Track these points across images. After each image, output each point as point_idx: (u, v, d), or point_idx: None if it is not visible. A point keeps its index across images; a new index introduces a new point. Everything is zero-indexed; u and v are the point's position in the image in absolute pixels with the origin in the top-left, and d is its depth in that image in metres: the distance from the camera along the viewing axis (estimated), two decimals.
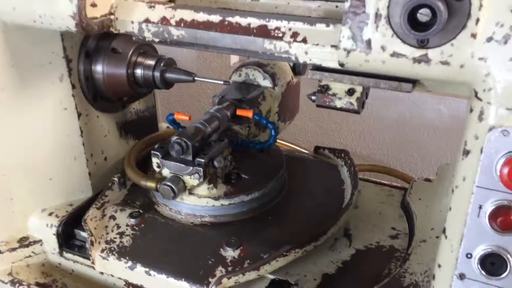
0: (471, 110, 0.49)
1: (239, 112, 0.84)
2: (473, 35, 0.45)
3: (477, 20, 0.45)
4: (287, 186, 0.89)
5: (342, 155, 0.97)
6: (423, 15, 0.45)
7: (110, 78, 0.83)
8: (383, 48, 0.50)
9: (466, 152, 0.50)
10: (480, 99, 0.47)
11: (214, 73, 1.65)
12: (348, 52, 0.52)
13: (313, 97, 0.75)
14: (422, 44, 0.47)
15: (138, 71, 0.84)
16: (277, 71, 0.94)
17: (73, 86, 0.81)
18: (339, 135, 1.61)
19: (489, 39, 0.45)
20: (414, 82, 0.59)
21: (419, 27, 0.46)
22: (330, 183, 0.91)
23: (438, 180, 0.92)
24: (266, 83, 0.93)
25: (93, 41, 0.82)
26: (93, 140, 0.88)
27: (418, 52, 0.48)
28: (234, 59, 1.59)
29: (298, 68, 0.99)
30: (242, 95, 0.90)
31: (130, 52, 0.83)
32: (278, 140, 1.26)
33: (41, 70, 0.77)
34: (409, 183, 1.34)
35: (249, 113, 0.84)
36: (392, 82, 0.60)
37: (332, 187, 0.90)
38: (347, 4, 0.50)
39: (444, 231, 0.56)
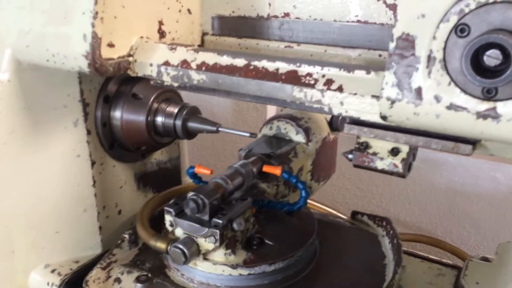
0: None
1: (266, 168, 0.75)
2: None
3: None
4: (317, 257, 0.77)
5: (384, 223, 0.85)
6: (492, 58, 0.35)
7: (128, 124, 0.77)
8: (437, 98, 0.40)
9: None
10: None
11: (249, 126, 1.59)
12: (393, 102, 0.42)
13: (350, 156, 0.65)
14: (489, 95, 0.37)
15: (159, 119, 0.78)
16: (311, 126, 0.85)
17: (88, 132, 0.75)
18: (380, 199, 1.48)
19: None
20: (474, 143, 0.49)
21: (485, 73, 0.36)
22: (369, 256, 0.79)
23: (500, 260, 0.78)
24: (299, 138, 0.84)
25: (113, 85, 0.77)
26: (107, 191, 0.80)
27: (484, 105, 0.38)
28: (271, 112, 1.52)
29: (335, 123, 0.90)
30: (272, 150, 0.81)
31: (152, 98, 0.77)
32: (310, 201, 1.15)
33: (55, 113, 0.72)
34: (461, 258, 1.19)
35: (277, 170, 0.74)
36: (447, 142, 0.50)
37: (371, 261, 0.78)
38: (392, 45, 0.41)
39: None
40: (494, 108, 0.38)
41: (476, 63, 0.36)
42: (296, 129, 0.85)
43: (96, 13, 0.58)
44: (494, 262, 0.79)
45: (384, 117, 0.44)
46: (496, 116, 0.38)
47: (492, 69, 0.36)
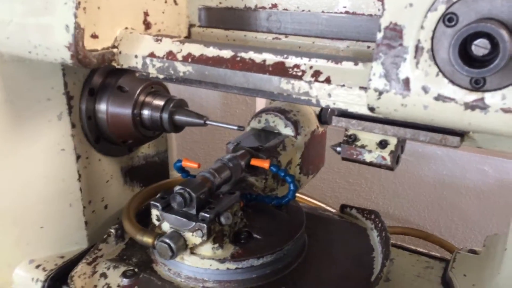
0: None
1: (254, 162, 0.74)
2: None
3: None
4: (306, 250, 0.77)
5: (372, 216, 0.85)
6: (480, 47, 0.34)
7: (114, 118, 0.75)
8: (425, 89, 0.39)
9: None
10: None
11: (238, 120, 1.58)
12: (380, 93, 0.42)
13: (338, 149, 0.64)
14: (477, 85, 0.37)
15: (145, 112, 0.76)
16: (300, 119, 0.85)
17: (73, 126, 0.73)
18: (369, 192, 1.48)
19: None
20: (462, 135, 0.48)
21: (474, 64, 0.36)
22: (357, 249, 0.79)
23: (487, 253, 0.78)
24: (288, 131, 0.84)
25: (98, 77, 0.76)
26: (93, 186, 0.79)
27: (472, 96, 0.38)
28: (260, 105, 1.51)
29: (324, 117, 0.90)
30: (260, 143, 0.80)
31: (138, 91, 0.76)
32: (299, 195, 1.15)
33: (38, 106, 0.70)
34: (449, 251, 1.19)
35: (265, 164, 0.74)
36: (434, 134, 0.49)
37: (360, 254, 0.78)
38: (379, 35, 0.41)
39: None
40: (482, 99, 0.37)
41: (464, 53, 0.36)
42: (284, 122, 0.84)
43: (79, 3, 0.57)
44: (481, 255, 0.80)
45: (371, 109, 0.43)
46: (484, 107, 0.37)
47: (480, 59, 0.35)
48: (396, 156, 0.60)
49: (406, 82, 0.40)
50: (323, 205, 1.09)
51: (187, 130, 1.42)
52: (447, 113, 0.39)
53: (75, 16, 0.57)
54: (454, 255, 0.80)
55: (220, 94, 1.59)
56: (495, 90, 0.36)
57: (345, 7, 0.66)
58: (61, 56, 0.59)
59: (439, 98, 0.39)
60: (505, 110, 0.37)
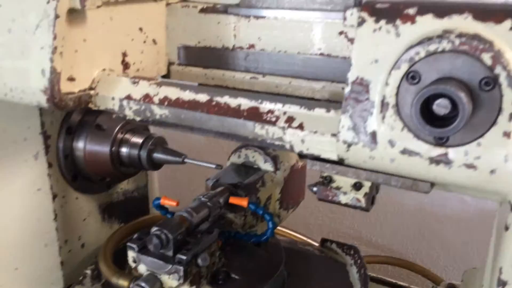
0: (507, 228, 0.38)
1: (232, 200, 0.74)
2: (506, 134, 0.36)
3: (511, 116, 0.35)
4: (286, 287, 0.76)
5: (352, 252, 0.85)
6: (441, 107, 0.35)
7: (91, 155, 0.75)
8: (391, 143, 0.40)
9: (503, 283, 0.38)
10: None
11: (223, 150, 1.58)
12: (349, 145, 0.43)
13: (315, 189, 0.65)
14: (441, 141, 0.38)
15: (124, 150, 0.76)
16: (279, 154, 0.85)
17: (50, 165, 0.73)
18: (352, 221, 1.48)
19: None
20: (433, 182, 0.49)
21: (436, 121, 0.37)
22: (337, 286, 0.78)
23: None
24: (267, 166, 0.84)
25: (76, 116, 0.76)
26: (69, 225, 0.78)
27: (436, 151, 0.39)
28: None
29: (305, 157, 0.90)
30: (240, 179, 0.80)
31: (117, 129, 0.76)
32: (280, 228, 1.15)
33: (14, 147, 0.70)
34: (431, 281, 1.20)
35: (243, 202, 0.74)
36: (406, 180, 0.50)
37: None
38: (347, 89, 0.42)
39: None
40: (445, 154, 0.38)
41: (427, 111, 0.37)
42: (264, 158, 0.84)
43: (55, 48, 0.57)
44: None
45: (341, 160, 0.44)
46: (448, 162, 0.38)
47: (442, 117, 0.36)
48: (370, 198, 0.61)
49: (373, 135, 0.41)
50: (304, 238, 1.09)
51: None
52: (413, 166, 0.40)
53: (51, 60, 0.57)
54: None
55: None
56: (458, 146, 0.37)
57: (320, 49, 0.67)
58: (36, 100, 0.59)
59: (405, 152, 0.40)
60: (468, 166, 0.38)
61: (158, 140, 0.77)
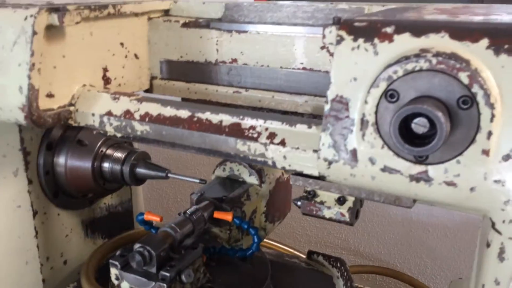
0: (488, 245, 0.38)
1: (217, 214, 0.74)
2: (485, 152, 0.36)
3: (489, 134, 0.35)
4: None
5: (338, 264, 0.84)
6: (419, 125, 0.35)
7: (73, 171, 0.74)
8: (371, 161, 0.40)
9: None
10: (499, 233, 0.36)
11: (210, 162, 1.57)
12: (330, 163, 0.42)
13: (299, 203, 0.64)
14: (420, 158, 0.38)
15: (106, 165, 0.75)
16: (265, 167, 0.85)
17: (30, 182, 0.72)
18: (340, 230, 1.48)
19: (506, 158, 0.35)
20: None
21: (415, 140, 0.37)
22: None
23: None
24: (252, 179, 0.83)
25: (57, 131, 0.75)
26: (51, 242, 0.77)
27: (416, 169, 0.38)
28: None
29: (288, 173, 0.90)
30: (225, 192, 0.79)
31: (98, 144, 0.75)
32: (266, 241, 1.14)
33: None
34: None
35: (228, 216, 0.73)
36: (388, 195, 0.50)
37: None
38: (327, 107, 0.42)
39: None
40: (425, 172, 0.38)
41: (406, 129, 0.37)
42: (249, 171, 0.84)
43: (33, 64, 0.56)
44: None
45: (322, 177, 0.44)
46: (428, 179, 0.38)
47: (421, 136, 0.36)
48: (354, 212, 0.61)
49: (354, 153, 0.41)
50: (291, 250, 1.08)
51: None
52: (394, 184, 0.40)
53: (29, 77, 0.57)
54: None
55: None
56: (437, 163, 0.37)
57: (302, 63, 0.67)
58: (14, 117, 0.58)
59: (385, 169, 0.40)
60: (448, 183, 0.38)
61: (141, 155, 0.77)
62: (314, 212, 0.62)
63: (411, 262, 1.42)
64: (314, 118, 0.67)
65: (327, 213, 0.61)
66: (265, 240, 1.03)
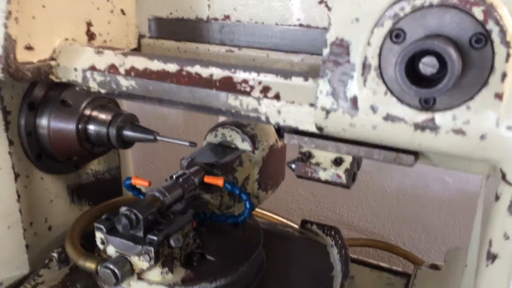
0: (497, 198, 0.35)
1: (208, 179, 0.71)
2: (498, 96, 0.33)
3: (504, 75, 0.32)
4: (264, 270, 0.73)
5: (332, 233, 0.82)
6: (427, 66, 0.32)
7: (56, 134, 0.71)
8: (373, 109, 0.37)
9: (492, 257, 0.35)
10: (510, 184, 0.33)
11: (201, 132, 1.54)
12: (328, 112, 0.39)
13: (293, 165, 0.61)
14: (427, 104, 0.35)
15: (91, 127, 0.72)
16: (258, 133, 0.82)
17: (11, 143, 0.68)
18: (334, 204, 1.46)
19: None
20: (416, 154, 0.46)
21: (422, 82, 0.33)
22: (317, 268, 0.76)
23: (448, 268, 0.76)
24: (245, 146, 0.80)
25: (40, 91, 0.71)
26: (34, 206, 0.74)
27: (422, 116, 0.35)
28: (223, 118, 1.48)
29: (283, 130, 0.87)
30: (216, 158, 0.76)
31: (83, 105, 0.71)
32: (259, 210, 1.12)
33: None
34: (412, 263, 1.18)
35: (219, 181, 0.70)
36: (388, 153, 0.47)
37: (319, 273, 0.75)
38: (325, 51, 0.38)
39: None
40: (432, 119, 0.35)
41: (412, 71, 0.34)
42: (241, 137, 0.81)
43: (9, 12, 0.52)
44: (442, 270, 0.78)
45: (320, 128, 0.41)
46: (434, 128, 0.35)
47: (428, 78, 0.33)
48: (351, 174, 0.58)
49: (354, 101, 0.38)
50: (284, 220, 1.06)
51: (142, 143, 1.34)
52: (397, 133, 0.37)
53: (5, 26, 0.53)
54: (415, 271, 0.78)
55: None
56: (445, 110, 0.34)
57: (299, 19, 0.64)
58: None
59: (388, 118, 0.37)
60: (456, 131, 0.35)
61: (128, 117, 0.73)
62: (309, 174, 0.59)
63: (405, 236, 1.41)
64: None
65: (322, 175, 0.58)
66: (257, 209, 1.01)
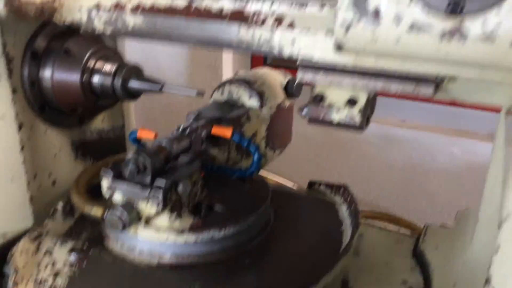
0: None
1: (215, 130, 0.69)
2: None
3: None
4: (271, 225, 0.72)
5: (341, 191, 0.81)
6: None
7: (60, 84, 0.69)
8: (397, 19, 0.35)
9: None
10: None
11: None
12: (348, 26, 0.37)
13: (305, 110, 0.60)
14: (455, 9, 0.33)
15: (96, 78, 0.70)
16: (265, 90, 0.80)
17: (14, 91, 0.66)
18: (339, 177, 1.45)
19: None
20: (436, 84, 0.45)
21: None
22: (325, 223, 0.75)
23: (458, 226, 0.75)
24: (253, 102, 0.79)
25: (42, 40, 0.69)
26: (38, 159, 0.72)
27: (449, 23, 0.34)
28: (227, 74, 1.46)
29: (291, 89, 0.85)
30: (224, 114, 0.75)
31: (87, 55, 0.69)
32: (265, 172, 1.10)
33: None
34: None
35: (227, 132, 0.69)
36: (407, 85, 0.46)
37: (328, 227, 0.74)
38: None
39: (488, 281, 0.39)
40: (460, 26, 0.33)
41: None
42: (249, 93, 0.79)
43: None
44: (453, 229, 0.77)
45: (339, 46, 0.39)
46: (462, 35, 0.34)
47: None
48: (365, 115, 0.56)
49: (376, 12, 0.36)
50: (290, 183, 1.04)
51: (148, 104, 1.33)
52: (422, 45, 0.35)
53: None
54: (425, 229, 0.77)
55: (183, 63, 1.51)
56: (475, 13, 0.33)
57: None
58: None
59: (413, 28, 0.35)
60: (485, 38, 0.33)
61: (133, 68, 0.71)
62: (322, 117, 0.57)
63: (410, 208, 1.39)
64: None
65: (336, 117, 0.56)
66: (264, 172, 0.99)
